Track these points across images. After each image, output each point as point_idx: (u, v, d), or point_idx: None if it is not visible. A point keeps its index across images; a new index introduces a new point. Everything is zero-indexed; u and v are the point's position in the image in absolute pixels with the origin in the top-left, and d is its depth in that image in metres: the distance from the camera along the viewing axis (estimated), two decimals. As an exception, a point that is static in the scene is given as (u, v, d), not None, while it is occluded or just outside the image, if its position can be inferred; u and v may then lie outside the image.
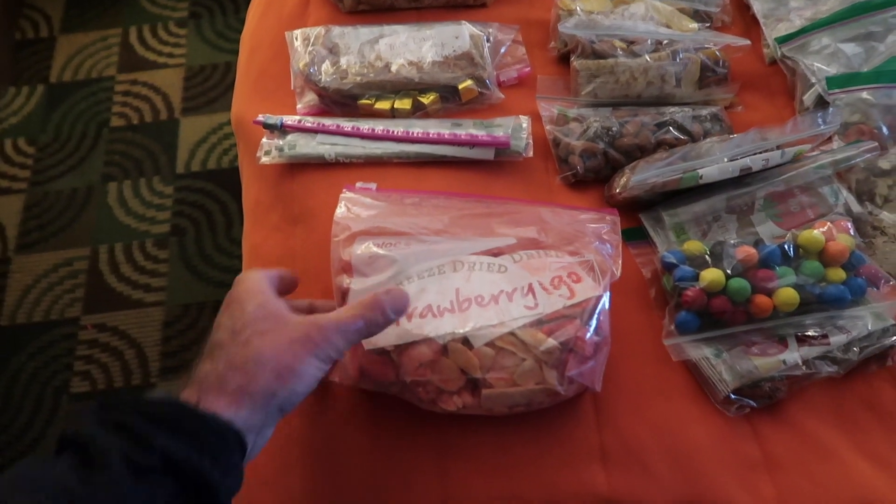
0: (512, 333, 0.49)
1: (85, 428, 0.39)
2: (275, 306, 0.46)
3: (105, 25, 1.82)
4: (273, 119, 0.68)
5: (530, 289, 0.51)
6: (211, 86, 1.69)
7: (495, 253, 0.53)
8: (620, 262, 0.54)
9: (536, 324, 0.49)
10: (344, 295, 0.52)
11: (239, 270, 0.58)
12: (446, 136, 0.66)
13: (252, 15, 0.84)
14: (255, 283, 0.47)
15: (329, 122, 0.67)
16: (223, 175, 1.55)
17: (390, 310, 0.47)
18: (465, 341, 0.49)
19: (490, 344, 0.48)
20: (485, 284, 0.51)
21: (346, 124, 0.67)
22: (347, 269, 0.52)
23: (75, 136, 1.63)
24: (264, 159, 0.68)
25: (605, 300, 0.51)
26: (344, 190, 0.58)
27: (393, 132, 0.66)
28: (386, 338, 0.49)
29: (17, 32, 1.80)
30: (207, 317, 1.35)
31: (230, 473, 0.41)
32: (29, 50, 1.77)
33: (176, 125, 1.64)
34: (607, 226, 0.56)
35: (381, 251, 0.52)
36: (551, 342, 0.48)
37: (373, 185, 0.59)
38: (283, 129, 0.68)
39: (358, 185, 0.59)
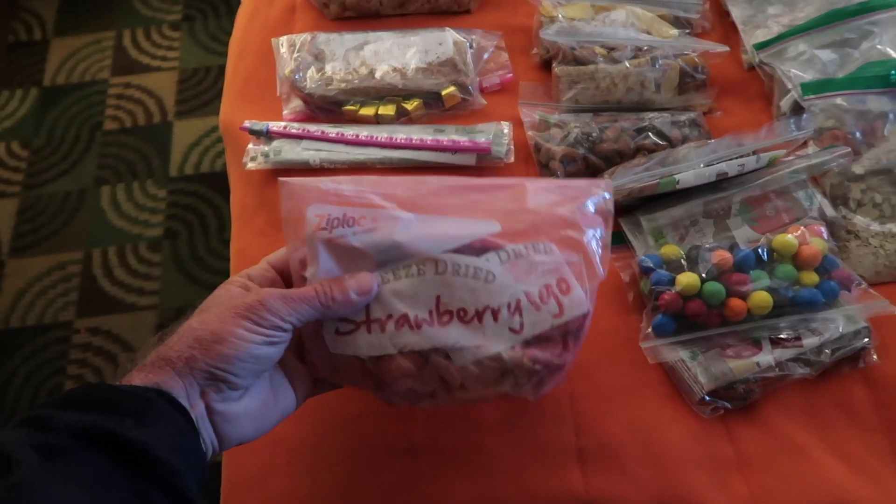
0: (495, 355, 0.45)
1: None
2: (234, 290, 0.45)
3: (98, 28, 1.82)
4: (259, 125, 0.69)
5: (518, 306, 0.45)
6: (204, 89, 1.70)
7: (478, 247, 0.46)
8: (608, 256, 0.49)
9: (521, 344, 0.46)
10: (303, 280, 0.46)
11: (231, 273, 0.58)
12: (429, 142, 0.67)
13: (239, 21, 0.85)
14: (230, 285, 0.46)
15: (314, 129, 0.68)
16: (216, 178, 1.55)
17: (353, 291, 0.44)
18: (445, 353, 0.46)
19: (472, 362, 0.45)
20: (469, 295, 0.45)
21: (331, 130, 0.68)
22: (307, 253, 0.46)
23: (68, 139, 1.64)
24: (250, 165, 0.69)
25: (591, 313, 0.47)
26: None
27: (377, 138, 0.67)
28: (358, 347, 0.45)
29: (9, 35, 1.81)
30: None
31: (164, 429, 0.38)
32: (22, 52, 1.78)
33: (169, 128, 1.64)
34: (600, 199, 0.48)
35: (342, 233, 0.45)
36: (533, 366, 0.46)
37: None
38: (268, 136, 0.69)
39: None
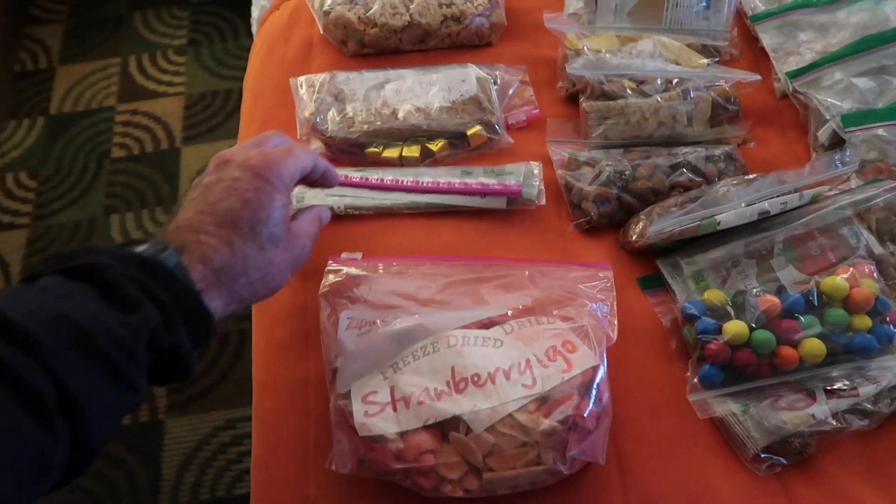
0: (511, 416, 0.48)
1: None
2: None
3: (104, 55, 1.81)
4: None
5: (528, 364, 0.50)
6: (212, 113, 1.69)
7: (487, 324, 0.53)
8: (616, 322, 0.54)
9: (535, 401, 0.49)
10: (335, 373, 0.52)
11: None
12: (457, 186, 0.65)
13: (254, 59, 0.83)
14: None
15: (337, 173, 0.67)
16: (226, 203, 1.54)
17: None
18: (464, 425, 0.48)
19: (490, 429, 0.48)
20: (480, 360, 0.50)
21: (355, 174, 0.66)
22: (338, 348, 0.53)
23: (77, 169, 1.62)
24: (272, 212, 0.67)
25: (603, 369, 0.51)
26: (329, 262, 0.59)
27: (402, 182, 0.65)
28: (385, 425, 0.49)
29: (16, 64, 1.80)
30: (214, 349, 1.34)
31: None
32: (28, 81, 1.77)
33: (177, 154, 1.63)
34: (600, 283, 0.56)
35: (368, 330, 0.53)
36: (551, 423, 0.47)
37: (358, 255, 0.59)
38: None
39: (343, 255, 0.59)
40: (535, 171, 0.65)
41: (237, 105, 1.66)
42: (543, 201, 0.64)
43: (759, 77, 0.70)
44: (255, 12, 0.91)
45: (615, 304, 0.56)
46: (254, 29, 0.93)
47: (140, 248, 0.41)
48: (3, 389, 0.33)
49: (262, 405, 0.62)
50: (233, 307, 0.46)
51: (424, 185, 0.65)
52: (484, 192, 0.64)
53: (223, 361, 1.33)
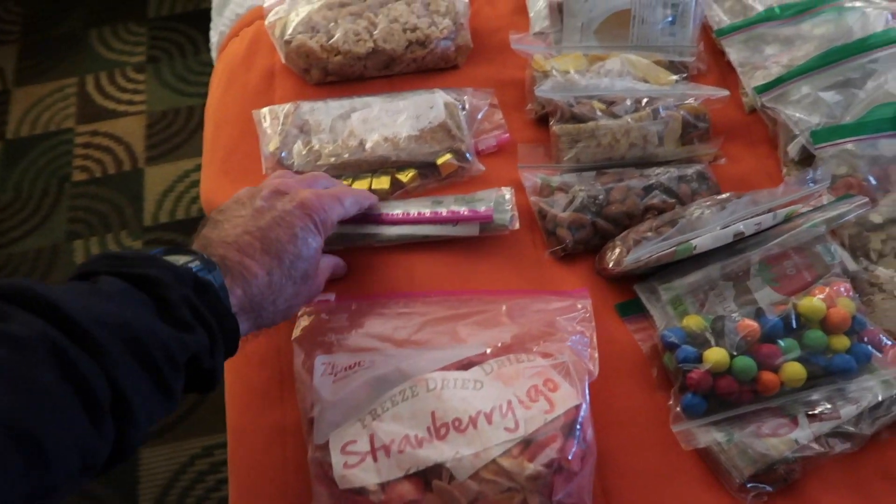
0: (494, 461, 0.47)
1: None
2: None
3: (61, 75, 1.76)
4: None
5: (509, 406, 0.49)
6: (174, 132, 1.65)
7: (466, 364, 0.52)
8: (597, 355, 0.53)
9: (519, 445, 0.48)
10: (311, 423, 0.51)
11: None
12: (427, 215, 0.63)
13: (214, 87, 0.80)
14: None
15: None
16: (193, 225, 1.49)
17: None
18: (447, 472, 0.47)
19: (473, 475, 0.47)
20: (461, 404, 0.49)
21: None
22: (313, 396, 0.52)
23: (36, 194, 1.58)
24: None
25: (586, 406, 0.50)
26: None
27: (371, 215, 0.64)
28: (366, 476, 0.48)
29: (-31, 89, 1.75)
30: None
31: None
32: (-18, 106, 1.72)
33: (140, 175, 1.59)
34: (579, 313, 0.56)
35: (345, 375, 0.52)
36: (535, 467, 0.46)
37: (331, 296, 0.58)
38: None
39: (316, 298, 0.58)
40: (507, 197, 0.64)
41: (200, 122, 1.63)
42: (517, 226, 0.63)
43: (727, 93, 0.70)
44: (214, 38, 0.89)
45: (594, 334, 0.55)
46: (213, 54, 0.90)
47: (192, 265, 0.44)
48: (68, 387, 0.36)
49: (237, 453, 0.60)
50: (253, 330, 0.50)
51: (394, 216, 0.63)
52: (455, 220, 0.63)
53: (198, 387, 1.31)
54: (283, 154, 0.66)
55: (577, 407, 0.50)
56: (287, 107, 0.69)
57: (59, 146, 1.66)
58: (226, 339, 0.45)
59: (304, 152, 0.66)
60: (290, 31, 0.71)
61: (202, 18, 1.79)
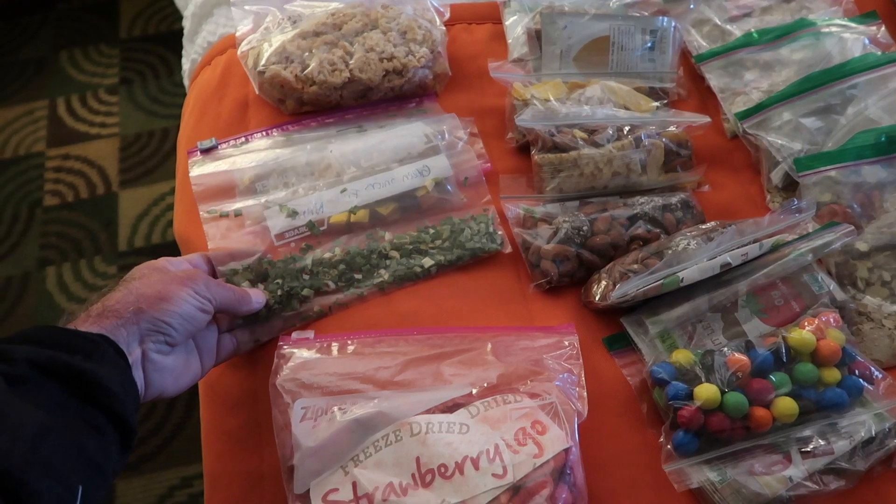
0: None
1: None
2: (163, 265, 0.53)
3: (29, 98, 1.72)
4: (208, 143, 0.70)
5: (497, 451, 0.47)
6: (148, 154, 1.62)
7: (451, 406, 0.50)
8: (585, 395, 0.52)
9: (508, 492, 0.46)
10: (291, 471, 0.49)
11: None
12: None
13: (187, 118, 0.78)
14: (157, 262, 0.54)
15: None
16: (169, 249, 1.46)
17: (255, 301, 0.57)
18: None
19: None
20: (446, 449, 0.47)
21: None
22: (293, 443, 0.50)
23: (6, 220, 1.53)
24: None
25: (576, 449, 0.49)
26: (279, 343, 0.55)
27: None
28: None
29: (-68, 114, 1.70)
30: (164, 405, 1.27)
31: (110, 366, 0.44)
32: (-51, 130, 1.67)
33: (114, 199, 1.56)
34: (566, 350, 0.54)
35: (326, 419, 0.50)
36: None
37: (310, 334, 0.56)
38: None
39: (294, 335, 0.56)
40: (490, 215, 0.64)
41: (175, 144, 1.60)
42: (509, 249, 0.63)
43: (708, 119, 0.69)
44: (186, 65, 0.87)
45: (582, 372, 0.53)
46: (186, 82, 0.88)
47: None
48: None
49: (214, 499, 0.58)
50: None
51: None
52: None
53: (174, 417, 1.27)
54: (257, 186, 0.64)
55: (567, 450, 0.48)
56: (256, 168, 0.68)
57: (30, 171, 1.62)
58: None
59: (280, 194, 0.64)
60: (263, 61, 0.69)
61: (175, 39, 1.76)
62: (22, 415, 0.39)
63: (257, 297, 0.58)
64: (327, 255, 0.62)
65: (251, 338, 0.60)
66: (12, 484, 0.37)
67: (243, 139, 0.71)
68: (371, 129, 0.69)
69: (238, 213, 0.65)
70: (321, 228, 0.64)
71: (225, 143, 0.71)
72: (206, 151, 0.71)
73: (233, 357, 0.59)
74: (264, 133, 0.71)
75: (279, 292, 0.59)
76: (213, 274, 0.60)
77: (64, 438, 0.40)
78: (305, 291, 0.60)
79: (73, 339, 0.44)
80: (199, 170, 0.69)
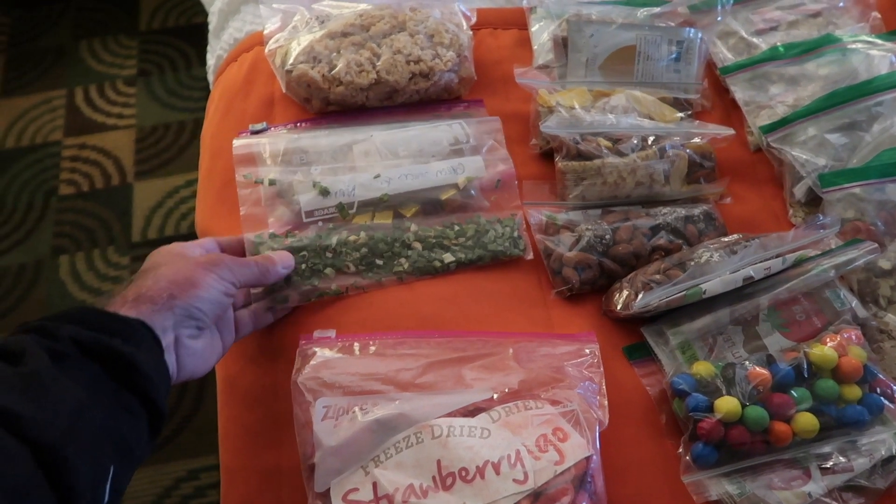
0: None
1: None
2: (185, 250, 0.55)
3: (48, 87, 1.73)
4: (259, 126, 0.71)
5: (518, 457, 0.48)
6: (164, 147, 1.63)
7: (472, 410, 0.51)
8: (606, 403, 0.52)
9: (528, 497, 0.46)
10: (311, 469, 0.50)
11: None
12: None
13: (211, 115, 0.79)
14: (173, 247, 0.55)
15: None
16: (182, 241, 1.47)
17: (281, 266, 0.58)
18: None
19: None
20: (467, 453, 0.48)
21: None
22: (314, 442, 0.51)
23: (21, 208, 1.54)
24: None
25: (597, 458, 0.49)
26: (300, 341, 0.56)
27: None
28: None
29: (-49, 101, 1.71)
30: (173, 396, 1.28)
31: (146, 351, 0.46)
32: (-33, 117, 1.68)
33: (129, 190, 1.56)
34: (587, 359, 0.55)
35: (347, 418, 0.51)
36: None
37: (331, 333, 0.57)
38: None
39: (315, 333, 0.57)
40: (515, 234, 0.64)
41: (191, 138, 1.61)
42: (531, 255, 0.63)
43: (732, 132, 0.69)
44: (211, 61, 0.87)
45: (603, 381, 0.54)
46: (210, 77, 0.89)
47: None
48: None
49: (231, 495, 0.58)
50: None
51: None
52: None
53: (183, 408, 1.28)
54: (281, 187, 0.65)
55: (588, 458, 0.48)
56: (283, 142, 0.68)
57: (46, 159, 1.62)
58: None
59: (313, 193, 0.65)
60: (291, 60, 0.70)
61: (195, 33, 1.77)
62: (63, 390, 0.40)
63: (283, 261, 0.58)
64: (352, 237, 0.62)
65: (267, 308, 0.60)
66: (53, 458, 0.38)
67: (292, 125, 0.72)
68: (396, 130, 0.69)
69: (272, 183, 0.66)
70: (350, 212, 0.64)
71: (275, 128, 0.72)
72: (257, 134, 0.71)
73: (250, 333, 0.60)
74: (312, 123, 0.72)
75: (303, 266, 0.60)
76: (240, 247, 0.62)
77: (99, 418, 0.41)
78: (328, 271, 0.61)
79: (113, 323, 0.46)
80: (242, 141, 0.71)
